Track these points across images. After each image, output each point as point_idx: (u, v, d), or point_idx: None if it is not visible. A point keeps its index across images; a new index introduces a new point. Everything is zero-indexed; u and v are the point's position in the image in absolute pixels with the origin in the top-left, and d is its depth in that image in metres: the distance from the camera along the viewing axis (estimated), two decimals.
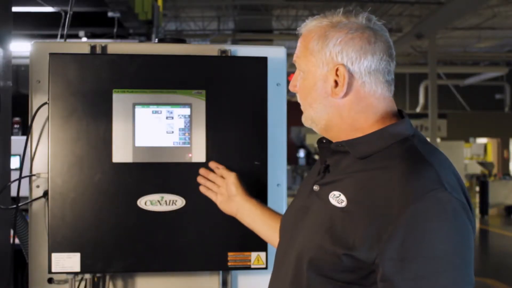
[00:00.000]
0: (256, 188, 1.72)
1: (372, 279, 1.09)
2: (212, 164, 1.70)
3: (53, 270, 1.66)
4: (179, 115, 1.71)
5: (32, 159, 1.77)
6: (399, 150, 1.15)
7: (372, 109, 1.20)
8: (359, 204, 1.12)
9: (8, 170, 2.01)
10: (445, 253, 1.05)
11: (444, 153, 1.24)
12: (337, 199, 1.17)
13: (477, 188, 14.38)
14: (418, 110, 18.23)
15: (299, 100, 1.29)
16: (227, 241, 1.73)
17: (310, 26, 1.24)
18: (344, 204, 1.15)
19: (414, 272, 1.04)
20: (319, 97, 1.22)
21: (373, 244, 1.07)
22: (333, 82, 1.19)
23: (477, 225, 12.05)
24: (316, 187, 1.25)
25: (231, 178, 1.62)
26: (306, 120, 1.28)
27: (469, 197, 1.14)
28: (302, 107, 1.28)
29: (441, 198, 1.06)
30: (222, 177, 1.66)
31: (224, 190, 1.63)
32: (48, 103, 1.67)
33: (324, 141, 1.31)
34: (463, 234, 1.07)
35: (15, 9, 2.22)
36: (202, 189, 1.68)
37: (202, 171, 1.69)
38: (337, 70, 1.18)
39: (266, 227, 1.57)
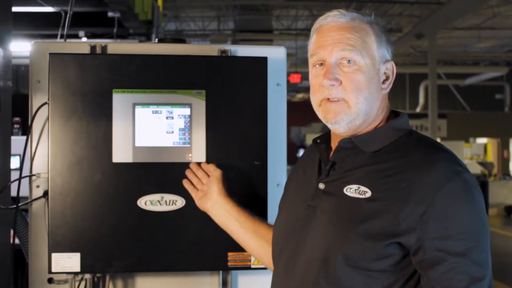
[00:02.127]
0: (256, 188, 1.72)
1: (404, 264, 1.15)
2: (203, 166, 1.67)
3: (53, 270, 1.66)
4: (179, 115, 1.71)
5: (32, 159, 1.77)
6: (410, 141, 1.23)
7: (387, 103, 1.30)
8: (387, 192, 1.16)
9: (8, 170, 2.01)
10: (477, 227, 1.14)
11: None
12: (357, 191, 1.20)
13: None
14: (418, 110, 18.22)
15: (346, 94, 1.23)
16: (227, 241, 1.72)
17: (355, 19, 1.27)
18: (368, 194, 1.18)
19: (455, 248, 1.10)
20: (374, 91, 1.26)
21: (414, 228, 1.12)
22: (384, 77, 1.27)
23: None
24: (321, 185, 1.27)
25: (216, 173, 1.61)
26: (350, 114, 1.23)
27: None
28: (352, 101, 1.23)
29: (466, 178, 1.15)
30: (208, 175, 1.64)
31: (206, 187, 1.62)
32: (48, 103, 1.67)
33: (319, 141, 1.33)
34: (484, 209, 1.17)
35: (15, 9, 2.22)
36: (185, 183, 1.66)
37: (192, 165, 1.67)
38: (387, 66, 1.27)
39: (241, 228, 1.55)
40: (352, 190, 1.20)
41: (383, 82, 1.27)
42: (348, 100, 1.23)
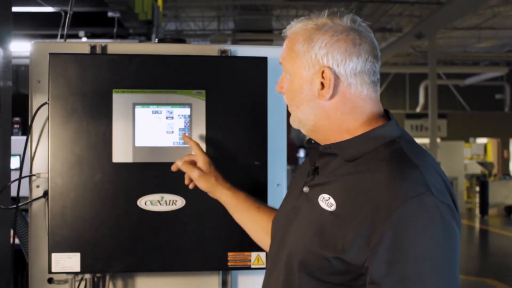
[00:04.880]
0: (256, 188, 1.72)
1: (362, 281, 1.11)
2: (185, 138, 1.62)
3: (53, 270, 1.66)
4: (179, 115, 1.71)
5: (32, 159, 1.77)
6: (386, 153, 1.16)
7: (359, 110, 1.21)
8: (347, 207, 1.14)
9: (8, 170, 2.01)
10: (431, 255, 1.06)
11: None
12: (327, 202, 1.18)
13: (477, 188, 14.37)
14: (418, 110, 18.23)
15: (286, 102, 1.29)
16: (227, 241, 1.73)
17: (295, 28, 1.24)
18: (333, 207, 1.16)
19: (401, 275, 1.05)
20: (306, 99, 1.22)
21: (362, 247, 1.08)
22: (320, 84, 1.20)
23: (477, 225, 12.06)
24: (306, 189, 1.26)
25: (204, 159, 1.56)
26: (294, 121, 1.28)
27: (455, 197, 1.15)
28: (290, 109, 1.28)
29: (427, 202, 1.07)
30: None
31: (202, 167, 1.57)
32: (48, 103, 1.67)
33: (313, 141, 1.32)
34: (449, 236, 1.08)
35: (15, 9, 2.22)
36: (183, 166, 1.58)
37: (185, 138, 1.63)
38: (323, 72, 1.19)
39: (240, 214, 1.56)
40: (323, 200, 1.19)
41: (322, 89, 1.20)
42: (289, 108, 1.28)
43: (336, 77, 1.19)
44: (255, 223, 1.54)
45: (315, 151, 1.29)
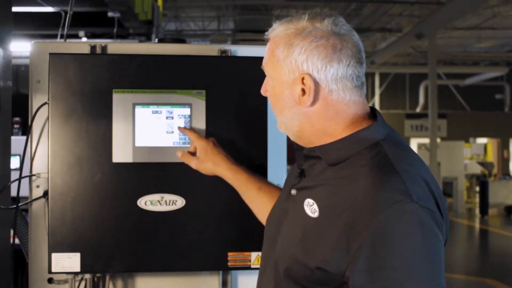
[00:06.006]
0: None
1: None
2: (180, 129, 1.69)
3: (53, 270, 1.66)
4: (179, 115, 1.71)
5: (32, 159, 1.77)
6: (368, 158, 1.14)
7: (342, 115, 1.19)
8: (329, 215, 1.13)
9: (8, 170, 2.01)
10: (412, 262, 1.03)
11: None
12: (311, 208, 1.17)
13: (477, 188, 14.38)
14: (418, 110, 18.24)
15: (270, 104, 1.28)
16: (227, 241, 1.73)
17: (277, 32, 1.22)
18: (316, 214, 1.15)
19: (382, 283, 1.03)
20: (288, 105, 1.21)
21: (343, 257, 1.07)
22: (300, 90, 1.18)
23: (477, 225, 12.06)
24: (293, 191, 1.25)
25: (200, 145, 1.62)
26: (280, 126, 1.27)
27: (440, 201, 1.12)
28: (275, 113, 1.27)
29: (407, 209, 1.05)
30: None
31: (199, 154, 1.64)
32: (48, 103, 1.67)
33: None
34: (430, 242, 1.06)
35: (15, 9, 2.23)
36: (179, 153, 1.66)
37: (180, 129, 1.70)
38: (303, 79, 1.17)
39: (242, 195, 1.59)
40: (308, 205, 1.18)
41: (303, 95, 1.18)
42: (274, 112, 1.28)
43: (317, 84, 1.16)
44: (256, 205, 1.56)
45: (301, 154, 1.28)
